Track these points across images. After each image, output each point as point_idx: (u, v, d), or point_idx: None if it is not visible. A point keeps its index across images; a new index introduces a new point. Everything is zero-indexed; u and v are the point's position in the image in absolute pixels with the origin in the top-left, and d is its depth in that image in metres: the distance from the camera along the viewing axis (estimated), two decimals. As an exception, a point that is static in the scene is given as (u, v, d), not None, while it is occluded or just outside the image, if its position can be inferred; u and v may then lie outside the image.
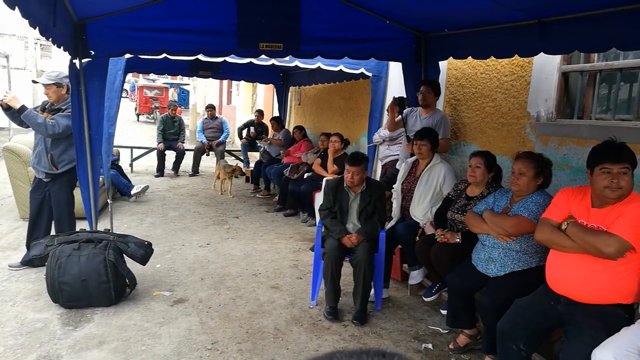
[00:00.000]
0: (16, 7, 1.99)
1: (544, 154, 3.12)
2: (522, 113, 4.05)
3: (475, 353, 3.18)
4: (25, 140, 5.94)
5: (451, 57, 4.42)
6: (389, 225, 4.16)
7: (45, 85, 4.09)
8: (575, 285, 2.39)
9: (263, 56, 4.58)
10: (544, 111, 3.85)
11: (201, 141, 9.75)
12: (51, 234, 4.22)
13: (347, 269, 3.78)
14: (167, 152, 9.45)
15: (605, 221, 2.32)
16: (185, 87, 25.81)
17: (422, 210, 3.98)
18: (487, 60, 4.26)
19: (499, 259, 2.93)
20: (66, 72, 3.89)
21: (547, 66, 3.80)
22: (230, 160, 9.71)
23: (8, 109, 3.88)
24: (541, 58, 3.61)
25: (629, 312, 2.32)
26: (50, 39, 2.92)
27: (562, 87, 3.77)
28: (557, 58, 3.72)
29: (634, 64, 3.25)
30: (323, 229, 3.88)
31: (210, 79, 12.43)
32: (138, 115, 22.80)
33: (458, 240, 3.35)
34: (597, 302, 2.32)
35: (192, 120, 15.46)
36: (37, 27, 2.50)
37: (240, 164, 9.66)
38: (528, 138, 3.98)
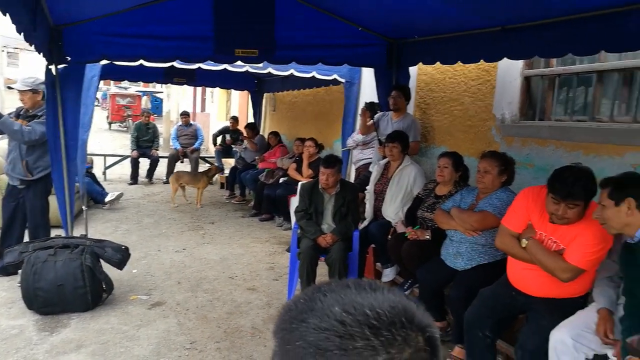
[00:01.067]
0: (7, 14, 2.05)
1: (508, 154, 3.28)
2: (488, 115, 4.23)
3: (445, 344, 3.29)
4: (-5, 147, 5.84)
5: (421, 63, 4.59)
6: (362, 225, 4.28)
7: (21, 92, 4.07)
8: (532, 285, 2.52)
9: (238, 62, 4.65)
10: (508, 113, 4.04)
11: (175, 148, 9.72)
12: (24, 241, 4.19)
13: (322, 269, 3.87)
14: (140, 159, 9.40)
15: (563, 238, 2.39)
16: (158, 94, 25.53)
17: (393, 210, 4.10)
18: (455, 65, 4.43)
19: (466, 253, 3.07)
20: (42, 78, 3.89)
21: (511, 71, 4.00)
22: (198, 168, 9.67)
23: (-19, 116, 3.86)
24: (505, 63, 3.78)
25: (583, 298, 2.47)
26: (33, 45, 2.95)
27: (524, 91, 3.97)
28: (520, 63, 3.91)
29: (589, 69, 3.47)
30: (299, 230, 3.97)
31: (185, 86, 12.42)
32: (110, 123, 22.48)
33: (428, 237, 3.48)
34: (554, 297, 2.45)
35: (166, 127, 15.33)
36: (22, 33, 2.55)
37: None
38: (494, 139, 4.16)
